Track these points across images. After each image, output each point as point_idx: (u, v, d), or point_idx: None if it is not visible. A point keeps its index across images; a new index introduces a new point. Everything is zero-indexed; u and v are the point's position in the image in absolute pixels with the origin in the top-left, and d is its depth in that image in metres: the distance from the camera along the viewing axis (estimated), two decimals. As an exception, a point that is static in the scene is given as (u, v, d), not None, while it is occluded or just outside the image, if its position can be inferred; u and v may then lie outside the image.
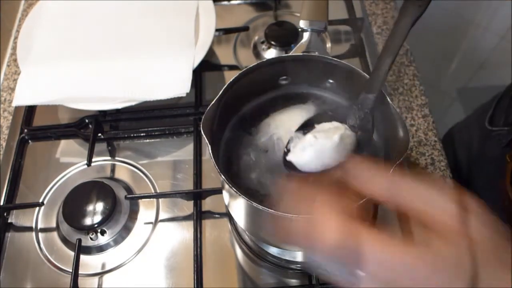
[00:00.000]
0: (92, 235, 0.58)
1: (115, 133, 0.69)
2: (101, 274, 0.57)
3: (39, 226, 0.61)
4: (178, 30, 0.72)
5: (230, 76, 0.52)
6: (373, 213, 0.61)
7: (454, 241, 0.25)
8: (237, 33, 0.80)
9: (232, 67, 0.76)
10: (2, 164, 0.67)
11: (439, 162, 0.65)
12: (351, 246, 0.26)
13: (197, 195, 0.62)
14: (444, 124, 0.86)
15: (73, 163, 0.66)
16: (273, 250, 0.58)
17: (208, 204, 0.62)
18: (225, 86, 0.51)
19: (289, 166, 0.49)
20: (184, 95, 0.64)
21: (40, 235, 0.61)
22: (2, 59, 0.80)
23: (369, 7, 0.83)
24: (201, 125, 0.47)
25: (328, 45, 0.78)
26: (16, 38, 0.81)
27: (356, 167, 0.30)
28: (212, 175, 0.64)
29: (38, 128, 0.70)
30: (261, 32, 0.78)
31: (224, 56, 0.78)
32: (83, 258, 0.57)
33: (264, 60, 0.54)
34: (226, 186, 0.47)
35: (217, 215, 0.61)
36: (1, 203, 0.63)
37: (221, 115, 0.52)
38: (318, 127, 0.51)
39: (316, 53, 0.57)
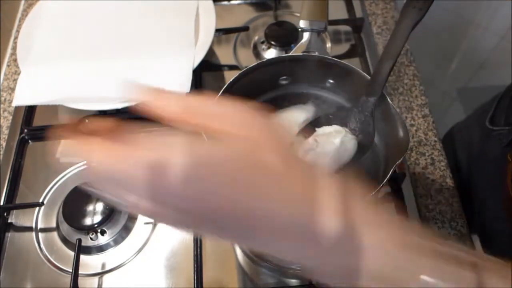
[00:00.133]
0: (92, 235, 0.58)
1: (115, 133, 0.69)
2: (101, 274, 0.57)
3: (39, 226, 0.61)
4: (178, 30, 0.72)
5: (230, 76, 0.52)
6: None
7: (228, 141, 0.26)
8: (237, 33, 0.80)
9: (232, 67, 0.76)
10: (2, 164, 0.67)
11: (439, 162, 0.65)
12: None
13: (197, 195, 0.62)
14: (444, 124, 0.86)
15: (73, 163, 0.66)
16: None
17: (208, 204, 0.62)
18: (225, 86, 0.51)
19: None
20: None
21: (40, 235, 0.61)
22: (2, 59, 0.80)
23: (369, 7, 0.83)
24: (201, 125, 0.47)
25: (328, 45, 0.78)
26: (16, 38, 0.81)
27: (150, 93, 0.30)
28: (212, 175, 0.64)
29: (38, 128, 0.70)
30: (261, 32, 0.78)
31: (224, 56, 0.78)
32: (83, 258, 0.57)
33: (264, 60, 0.54)
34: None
35: (217, 215, 0.61)
36: (1, 203, 0.63)
37: (221, 115, 0.52)
38: (319, 130, 0.51)
39: (316, 53, 0.57)
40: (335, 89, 0.57)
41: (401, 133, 0.48)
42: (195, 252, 0.57)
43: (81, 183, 0.42)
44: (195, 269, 0.56)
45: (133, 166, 0.24)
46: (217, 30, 0.73)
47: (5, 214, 0.62)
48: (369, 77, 0.50)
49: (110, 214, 0.58)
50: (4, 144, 0.69)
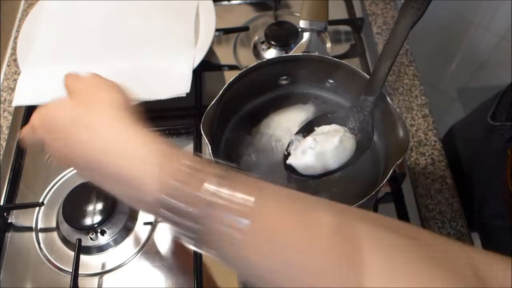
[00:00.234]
0: (92, 235, 0.58)
1: (115, 133, 0.69)
2: (101, 274, 0.57)
3: (39, 226, 0.61)
4: (178, 30, 0.72)
5: (230, 76, 0.52)
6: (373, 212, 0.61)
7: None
8: (237, 33, 0.80)
9: (232, 67, 0.76)
10: (2, 164, 0.67)
11: (439, 162, 0.65)
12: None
13: (197, 195, 0.62)
14: (444, 124, 0.86)
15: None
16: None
17: (208, 204, 0.62)
18: (225, 86, 0.51)
19: (290, 169, 0.49)
20: (184, 95, 0.64)
21: (40, 235, 0.61)
22: (2, 59, 0.80)
23: (369, 7, 0.83)
24: (201, 125, 0.47)
25: (328, 45, 0.78)
26: (16, 38, 0.81)
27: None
28: (212, 175, 0.64)
29: (38, 128, 0.70)
30: (261, 32, 0.78)
31: (224, 56, 0.78)
32: (83, 258, 0.57)
33: (264, 60, 0.54)
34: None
35: (217, 215, 0.61)
36: (1, 203, 0.63)
37: (221, 115, 0.52)
38: (318, 129, 0.51)
39: (316, 53, 0.57)
40: (335, 89, 0.57)
41: (401, 133, 0.48)
42: (195, 252, 0.57)
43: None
44: (195, 269, 0.56)
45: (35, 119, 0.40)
46: (217, 30, 0.73)
47: (5, 214, 0.62)
48: (369, 77, 0.50)
49: (110, 214, 0.58)
50: (4, 144, 0.69)
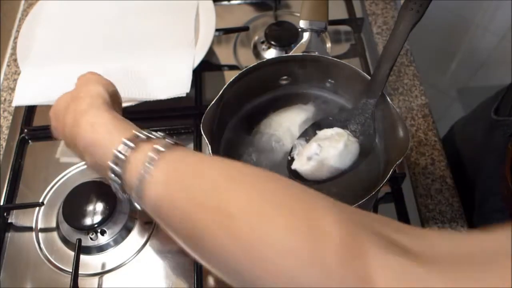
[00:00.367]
0: (92, 235, 0.58)
1: (115, 133, 0.69)
2: (101, 274, 0.57)
3: (39, 226, 0.61)
4: (178, 30, 0.72)
5: (230, 76, 0.52)
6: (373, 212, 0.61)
7: None
8: (237, 33, 0.80)
9: (232, 67, 0.76)
10: (2, 164, 0.67)
11: (439, 162, 0.65)
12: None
13: (197, 195, 0.62)
14: (444, 124, 0.86)
15: (73, 163, 0.66)
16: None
17: (208, 204, 0.62)
18: (225, 86, 0.51)
19: (294, 174, 0.49)
20: (184, 95, 0.64)
21: (40, 235, 0.61)
22: (2, 59, 0.80)
23: (369, 7, 0.83)
24: (201, 125, 0.47)
25: (328, 45, 0.78)
26: (16, 38, 0.81)
27: None
28: (212, 175, 0.64)
29: (38, 128, 0.70)
30: (261, 32, 0.78)
31: (224, 56, 0.78)
32: (83, 258, 0.57)
33: (264, 60, 0.54)
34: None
35: (217, 215, 0.61)
36: (1, 203, 0.63)
37: (221, 115, 0.52)
38: (320, 133, 0.51)
39: (316, 53, 0.57)
40: (335, 89, 0.57)
41: (401, 133, 0.48)
42: (195, 252, 0.57)
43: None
44: (195, 269, 0.56)
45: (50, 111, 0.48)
46: (217, 30, 0.73)
47: (5, 214, 0.62)
48: (369, 77, 0.50)
49: (110, 214, 0.58)
50: (4, 144, 0.69)
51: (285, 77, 0.58)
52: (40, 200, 0.63)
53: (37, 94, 0.65)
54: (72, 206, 0.59)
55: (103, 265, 0.58)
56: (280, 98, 0.58)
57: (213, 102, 0.50)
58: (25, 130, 0.69)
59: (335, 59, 0.53)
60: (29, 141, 0.69)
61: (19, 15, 0.86)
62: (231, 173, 0.32)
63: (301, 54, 0.57)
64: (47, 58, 0.70)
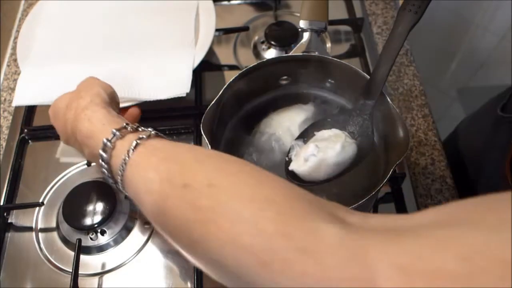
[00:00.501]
0: (92, 235, 0.58)
1: (115, 133, 0.69)
2: (101, 274, 0.57)
3: (39, 226, 0.61)
4: (178, 30, 0.72)
5: (230, 76, 0.52)
6: (373, 213, 0.61)
7: None
8: (237, 33, 0.80)
9: (232, 67, 0.76)
10: (2, 164, 0.67)
11: (439, 162, 0.65)
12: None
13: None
14: (444, 124, 0.86)
15: (73, 163, 0.66)
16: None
17: (208, 204, 0.62)
18: (225, 86, 0.51)
19: (292, 175, 0.49)
20: (184, 95, 0.64)
21: (40, 235, 0.61)
22: (2, 59, 0.80)
23: (369, 7, 0.83)
24: (201, 125, 0.47)
25: (328, 45, 0.78)
26: (16, 38, 0.81)
27: None
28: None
29: (38, 128, 0.70)
30: (261, 32, 0.78)
31: (224, 56, 0.78)
32: (83, 258, 0.57)
33: (264, 60, 0.54)
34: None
35: (217, 215, 0.61)
36: (1, 203, 0.63)
37: (221, 115, 0.52)
38: (318, 134, 0.51)
39: (316, 53, 0.57)
40: (335, 89, 0.57)
41: (401, 133, 0.48)
42: (195, 252, 0.57)
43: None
44: (195, 269, 0.56)
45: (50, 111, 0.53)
46: (217, 30, 0.73)
47: (5, 214, 0.62)
48: (369, 77, 0.50)
49: (110, 214, 0.58)
50: (4, 144, 0.69)
51: (285, 77, 0.58)
52: (40, 200, 0.63)
53: (37, 94, 0.65)
54: (72, 206, 0.59)
55: (103, 265, 0.58)
56: (280, 98, 0.58)
57: (213, 102, 0.50)
58: (25, 130, 0.69)
59: (335, 59, 0.53)
60: (29, 141, 0.69)
61: (19, 15, 0.86)
62: (198, 156, 0.36)
63: (301, 54, 0.57)
64: (47, 58, 0.70)
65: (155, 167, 0.35)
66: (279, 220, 0.28)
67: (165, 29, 0.72)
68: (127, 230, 0.60)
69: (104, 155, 0.40)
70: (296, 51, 0.58)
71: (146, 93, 0.63)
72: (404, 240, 0.23)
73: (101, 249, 0.58)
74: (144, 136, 0.39)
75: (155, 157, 0.37)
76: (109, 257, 0.58)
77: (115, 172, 0.39)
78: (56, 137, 0.69)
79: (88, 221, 0.58)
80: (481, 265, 0.20)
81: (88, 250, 0.58)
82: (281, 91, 0.59)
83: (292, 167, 0.49)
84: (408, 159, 0.66)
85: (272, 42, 0.76)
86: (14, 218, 0.62)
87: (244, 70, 0.53)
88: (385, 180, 0.44)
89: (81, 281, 0.55)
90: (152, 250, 0.59)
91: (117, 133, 0.40)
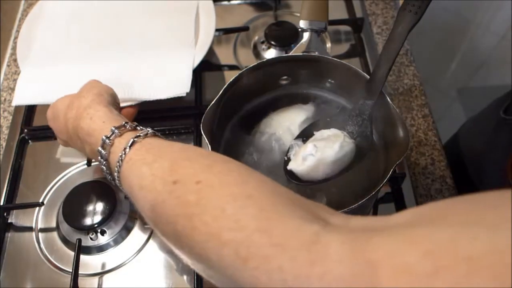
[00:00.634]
0: (92, 235, 0.58)
1: (115, 133, 0.69)
2: (101, 274, 0.57)
3: (39, 226, 0.61)
4: (178, 30, 0.72)
5: (230, 76, 0.52)
6: (373, 213, 0.61)
7: None
8: (237, 33, 0.80)
9: (232, 67, 0.76)
10: (2, 164, 0.67)
11: (439, 162, 0.65)
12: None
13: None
14: (444, 124, 0.86)
15: (73, 163, 0.66)
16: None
17: (208, 204, 0.62)
18: (225, 86, 0.51)
19: (290, 174, 0.49)
20: (184, 94, 0.63)
21: (40, 235, 0.61)
22: (2, 59, 0.80)
23: (369, 7, 0.83)
24: (201, 125, 0.47)
25: (328, 45, 0.78)
26: (16, 38, 0.81)
27: None
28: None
29: (38, 128, 0.70)
30: (261, 32, 0.78)
31: (224, 56, 0.78)
32: (83, 258, 0.57)
33: (264, 60, 0.54)
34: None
35: (217, 215, 0.61)
36: (1, 203, 0.63)
37: (221, 115, 0.52)
38: (317, 134, 0.51)
39: (316, 53, 0.57)
40: (335, 89, 0.57)
41: (401, 133, 0.48)
42: (195, 252, 0.57)
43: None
44: (195, 269, 0.56)
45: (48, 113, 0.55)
46: (217, 30, 0.73)
47: (5, 214, 0.62)
48: (369, 77, 0.50)
49: (110, 214, 0.58)
50: (4, 144, 0.69)
51: (285, 77, 0.58)
52: (40, 200, 0.63)
53: (36, 93, 0.65)
54: (72, 206, 0.59)
55: (103, 265, 0.58)
56: (280, 98, 0.58)
57: (213, 102, 0.50)
58: (25, 130, 0.69)
59: (335, 59, 0.53)
60: (29, 141, 0.69)
61: (19, 15, 0.86)
62: (190, 155, 0.37)
63: (301, 54, 0.57)
64: (47, 58, 0.70)
65: (148, 164, 0.37)
66: (260, 217, 0.29)
67: (165, 29, 0.72)
68: (127, 230, 0.60)
69: (103, 151, 0.42)
70: (296, 51, 0.58)
71: (146, 93, 0.63)
72: (375, 238, 0.23)
73: (101, 249, 0.58)
74: (141, 135, 0.40)
75: (149, 154, 0.38)
76: (109, 257, 0.58)
77: (113, 169, 0.41)
78: (56, 137, 0.69)
79: (88, 221, 0.58)
80: (446, 262, 0.20)
81: (88, 250, 0.58)
82: (281, 91, 0.59)
83: (290, 166, 0.49)
84: (408, 159, 0.66)
85: (272, 42, 0.76)
86: (14, 218, 0.62)
87: (244, 70, 0.53)
88: (385, 180, 0.44)
89: (81, 281, 0.55)
90: (152, 250, 0.59)
91: (116, 131, 0.42)
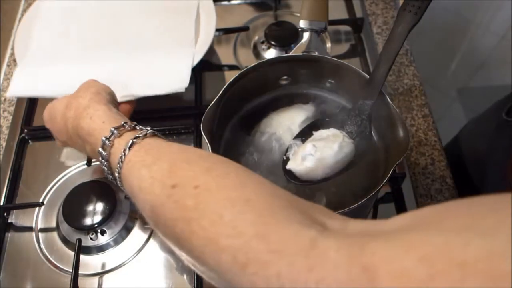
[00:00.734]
0: (92, 235, 0.58)
1: (115, 133, 0.69)
2: (101, 274, 0.57)
3: (39, 226, 0.61)
4: (178, 28, 0.71)
5: (230, 76, 0.52)
6: (373, 213, 0.61)
7: None
8: (237, 33, 0.80)
9: (232, 67, 0.76)
10: (2, 164, 0.67)
11: (439, 162, 0.65)
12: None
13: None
14: (444, 124, 0.86)
15: (73, 163, 0.66)
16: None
17: (208, 204, 0.62)
18: (225, 86, 0.51)
19: (289, 174, 0.49)
20: (183, 90, 0.63)
21: (40, 235, 0.61)
22: (2, 59, 0.80)
23: (369, 7, 0.83)
24: (201, 125, 0.47)
25: (328, 45, 0.78)
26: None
27: None
28: (212, 175, 0.64)
29: (38, 128, 0.70)
30: (261, 32, 0.78)
31: (224, 56, 0.78)
32: (83, 258, 0.57)
33: (264, 60, 0.54)
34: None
35: (217, 215, 0.61)
36: (1, 203, 0.63)
37: (221, 115, 0.52)
38: (316, 134, 0.51)
39: (316, 53, 0.57)
40: (335, 89, 0.57)
41: (401, 133, 0.48)
42: (195, 252, 0.57)
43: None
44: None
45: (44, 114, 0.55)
46: (217, 30, 0.73)
47: (5, 214, 0.62)
48: (368, 77, 0.50)
49: (110, 214, 0.58)
50: (4, 144, 0.69)
51: (285, 77, 0.58)
52: (40, 200, 0.63)
53: (32, 86, 0.65)
54: (72, 206, 0.59)
55: (103, 265, 0.58)
56: (280, 98, 0.58)
57: (213, 102, 0.50)
58: (25, 130, 0.69)
59: (335, 59, 0.53)
60: (29, 141, 0.69)
61: (19, 15, 0.86)
62: (189, 157, 0.37)
63: (301, 54, 0.57)
64: (45, 54, 0.69)
65: (147, 166, 0.37)
66: (258, 222, 0.29)
67: (166, 27, 0.72)
68: (127, 230, 0.60)
69: (104, 152, 0.42)
70: (296, 51, 0.58)
71: (144, 89, 0.63)
72: (372, 244, 0.24)
73: (101, 249, 0.58)
74: (141, 135, 0.40)
75: (149, 155, 0.38)
76: (109, 257, 0.58)
77: (113, 169, 0.41)
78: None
79: (88, 221, 0.58)
80: (441, 268, 0.20)
81: (88, 250, 0.58)
82: (281, 91, 0.59)
83: (289, 166, 0.49)
84: (408, 159, 0.66)
85: (272, 42, 0.76)
86: (14, 218, 0.62)
87: (244, 70, 0.53)
88: (385, 180, 0.44)
89: (81, 281, 0.55)
90: (152, 250, 0.59)
91: (115, 131, 0.42)
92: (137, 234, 0.60)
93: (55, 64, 0.68)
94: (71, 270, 0.55)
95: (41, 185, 0.64)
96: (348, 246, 0.24)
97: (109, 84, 0.53)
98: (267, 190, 0.32)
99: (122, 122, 0.43)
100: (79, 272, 0.55)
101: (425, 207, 0.26)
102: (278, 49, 0.76)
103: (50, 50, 0.70)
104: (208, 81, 0.74)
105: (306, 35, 0.59)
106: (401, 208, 0.61)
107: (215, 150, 0.49)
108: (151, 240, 0.59)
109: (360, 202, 0.43)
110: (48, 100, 0.56)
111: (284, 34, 0.76)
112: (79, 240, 0.56)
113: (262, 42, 0.77)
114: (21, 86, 0.65)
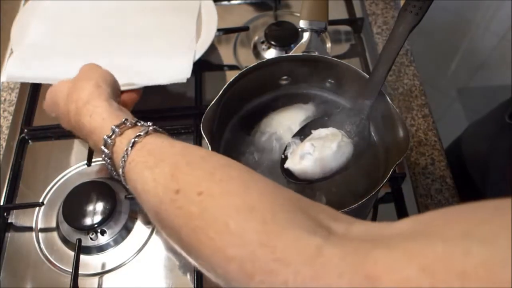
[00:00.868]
0: (92, 235, 0.58)
1: (115, 133, 0.68)
2: (101, 274, 0.57)
3: (39, 226, 0.61)
4: (180, 24, 0.71)
5: (230, 76, 0.52)
6: (373, 213, 0.61)
7: None
8: (237, 33, 0.80)
9: (232, 67, 0.76)
10: (2, 164, 0.67)
11: (439, 162, 0.65)
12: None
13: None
14: (444, 124, 0.86)
15: (73, 163, 0.66)
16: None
17: (208, 204, 0.62)
18: (225, 86, 0.51)
19: (287, 173, 0.49)
20: (185, 80, 0.62)
21: (40, 235, 0.61)
22: (2, 59, 0.80)
23: (369, 7, 0.83)
24: (201, 125, 0.47)
25: (328, 45, 0.78)
26: (16, 38, 0.81)
27: None
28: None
29: (38, 128, 0.70)
30: (261, 32, 0.78)
31: (224, 56, 0.78)
32: (83, 258, 0.57)
33: (264, 60, 0.54)
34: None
35: (217, 215, 0.61)
36: (1, 203, 0.63)
37: (221, 115, 0.52)
38: (315, 133, 0.51)
39: (316, 53, 0.57)
40: (335, 89, 0.57)
41: (401, 133, 0.48)
42: (195, 252, 0.57)
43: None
44: (195, 269, 0.55)
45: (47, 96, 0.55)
46: (218, 30, 0.72)
47: (5, 214, 0.62)
48: (368, 77, 0.50)
49: (110, 214, 0.58)
50: (4, 144, 0.69)
51: (285, 77, 0.58)
52: (40, 200, 0.63)
53: (28, 71, 0.64)
54: (72, 206, 0.59)
55: (103, 265, 0.58)
56: (280, 98, 0.58)
57: (213, 102, 0.50)
58: (25, 130, 0.69)
59: (335, 59, 0.53)
60: (29, 141, 0.69)
61: (19, 15, 0.86)
62: (192, 159, 0.36)
63: (301, 54, 0.57)
64: (43, 41, 0.69)
65: (150, 168, 0.37)
66: (263, 230, 0.29)
67: (166, 24, 0.72)
68: (127, 230, 0.60)
69: (106, 151, 0.42)
70: (296, 51, 0.58)
71: (147, 78, 0.62)
72: (375, 252, 0.24)
73: (101, 249, 0.58)
74: (142, 134, 0.40)
75: (151, 156, 0.38)
76: (109, 257, 0.58)
77: (117, 167, 0.41)
78: (56, 137, 0.69)
79: (88, 221, 0.58)
80: (441, 277, 0.20)
81: (88, 250, 0.58)
82: (281, 91, 0.59)
83: (287, 165, 0.49)
84: (408, 159, 0.66)
85: (272, 42, 0.76)
86: (14, 218, 0.62)
87: (244, 70, 0.53)
88: (385, 180, 0.44)
89: (81, 281, 0.55)
90: (152, 250, 0.59)
91: (116, 130, 0.42)
92: (137, 234, 0.60)
93: (53, 50, 0.67)
94: (71, 270, 0.55)
95: (41, 185, 0.64)
96: (352, 254, 0.25)
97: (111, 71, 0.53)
98: (271, 193, 0.32)
99: (123, 119, 0.43)
100: (79, 272, 0.55)
101: (427, 212, 0.26)
102: (278, 49, 0.76)
103: (48, 41, 0.69)
104: (208, 81, 0.74)
105: (306, 35, 0.59)
106: (401, 208, 0.61)
107: (215, 150, 0.49)
108: (151, 240, 0.59)
109: (360, 202, 0.43)
110: (46, 88, 0.56)
111: (284, 34, 0.76)
112: (79, 240, 0.56)
113: (262, 42, 0.77)
114: (16, 71, 0.64)
